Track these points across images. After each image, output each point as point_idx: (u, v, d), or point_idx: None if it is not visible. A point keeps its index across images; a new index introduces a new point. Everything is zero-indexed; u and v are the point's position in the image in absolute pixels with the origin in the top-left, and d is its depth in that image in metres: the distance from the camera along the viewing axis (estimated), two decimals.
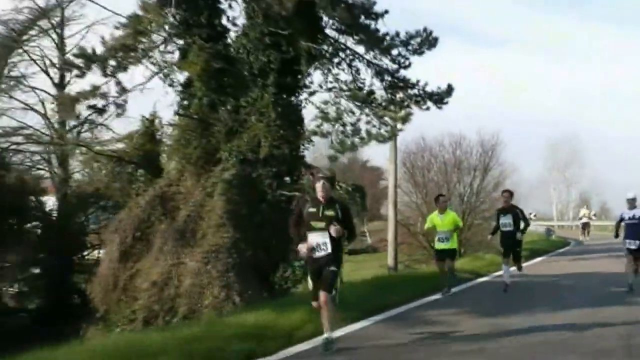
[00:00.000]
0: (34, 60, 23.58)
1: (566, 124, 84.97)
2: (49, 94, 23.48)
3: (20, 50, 23.33)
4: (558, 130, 79.43)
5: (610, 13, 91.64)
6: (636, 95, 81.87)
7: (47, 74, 23.95)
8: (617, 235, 12.42)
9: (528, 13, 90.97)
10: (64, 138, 22.67)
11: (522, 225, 12.50)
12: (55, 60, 23.92)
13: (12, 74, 23.33)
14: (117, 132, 21.68)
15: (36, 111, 23.40)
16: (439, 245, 11.70)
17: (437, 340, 7.59)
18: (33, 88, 23.50)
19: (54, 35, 24.08)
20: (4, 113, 22.56)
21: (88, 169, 22.12)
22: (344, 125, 16.20)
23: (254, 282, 15.47)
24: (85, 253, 23.18)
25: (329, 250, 6.67)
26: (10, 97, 23.06)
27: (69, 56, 16.44)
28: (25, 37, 23.84)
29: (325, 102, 16.44)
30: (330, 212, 6.71)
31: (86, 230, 23.47)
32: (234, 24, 17.29)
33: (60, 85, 23.96)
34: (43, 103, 23.52)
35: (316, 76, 17.37)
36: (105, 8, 15.23)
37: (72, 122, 23.78)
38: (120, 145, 20.75)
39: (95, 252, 22.58)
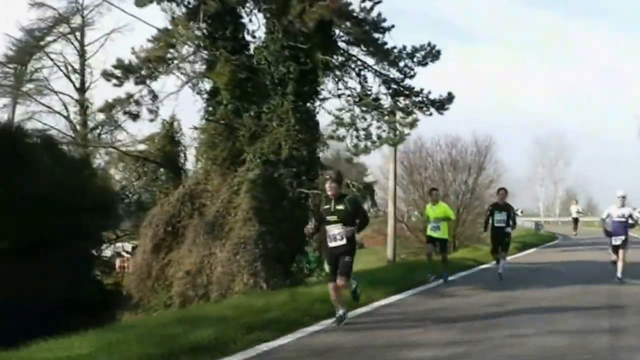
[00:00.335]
0: (58, 66, 25.29)
1: (554, 123, 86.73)
2: (71, 97, 25.21)
3: (44, 57, 24.95)
4: (546, 129, 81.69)
5: (607, 13, 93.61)
6: (625, 96, 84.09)
7: (69, 79, 25.68)
8: (608, 233, 12.73)
9: (527, 12, 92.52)
10: (86, 139, 24.23)
11: (511, 223, 14.14)
12: (77, 66, 25.66)
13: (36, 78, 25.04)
14: (131, 133, 23.33)
15: (60, 114, 25.04)
16: (430, 233, 13.31)
17: (462, 305, 9.47)
18: (56, 92, 25.16)
19: (76, 43, 25.73)
20: (31, 116, 24.12)
21: (113, 168, 23.66)
22: (357, 130, 17.91)
23: (278, 271, 17.18)
24: (102, 247, 24.72)
25: (344, 241, 7.69)
26: (35, 100, 24.64)
27: (108, 67, 17.94)
28: (45, 42, 25.40)
29: (340, 109, 18.10)
30: (340, 207, 7.73)
31: (105, 226, 24.96)
32: (254, 37, 18.92)
33: (81, 89, 25.69)
34: (66, 106, 25.23)
35: (328, 83, 19.07)
36: (135, 17, 16.69)
37: (92, 124, 25.55)
38: (140, 147, 22.46)
39: (111, 246, 24.14)
